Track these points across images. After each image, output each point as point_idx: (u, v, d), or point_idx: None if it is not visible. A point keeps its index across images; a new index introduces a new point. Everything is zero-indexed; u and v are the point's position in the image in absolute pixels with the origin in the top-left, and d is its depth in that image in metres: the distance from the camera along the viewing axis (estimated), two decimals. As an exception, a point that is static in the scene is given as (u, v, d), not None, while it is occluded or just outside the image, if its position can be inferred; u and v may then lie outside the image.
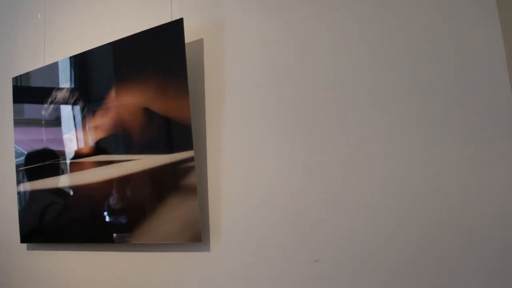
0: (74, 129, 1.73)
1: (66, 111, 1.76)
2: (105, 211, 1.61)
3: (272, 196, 1.30)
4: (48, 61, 1.90)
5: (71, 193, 1.74)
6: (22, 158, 1.90)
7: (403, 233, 1.10)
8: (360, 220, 1.16)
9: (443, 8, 1.10)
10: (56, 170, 1.77)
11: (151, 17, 1.62)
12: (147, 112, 1.51)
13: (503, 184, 1.00)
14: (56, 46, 1.94)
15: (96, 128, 1.65)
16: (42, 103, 1.83)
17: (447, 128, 1.07)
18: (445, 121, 1.07)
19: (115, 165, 1.58)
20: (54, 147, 1.79)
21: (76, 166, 1.71)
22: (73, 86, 1.76)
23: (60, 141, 1.76)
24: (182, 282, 1.45)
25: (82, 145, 1.70)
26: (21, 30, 2.11)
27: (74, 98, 1.73)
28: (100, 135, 1.64)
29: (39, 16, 2.03)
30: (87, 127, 1.68)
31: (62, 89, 1.78)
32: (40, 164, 1.83)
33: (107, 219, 1.61)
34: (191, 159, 1.39)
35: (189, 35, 1.49)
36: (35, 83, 1.94)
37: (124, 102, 1.56)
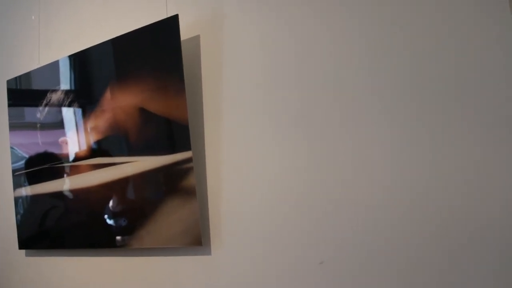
0: (70, 131, 1.69)
1: (61, 113, 1.73)
2: (104, 214, 1.57)
3: (273, 196, 1.28)
4: (43, 62, 1.88)
5: (69, 197, 1.70)
6: (19, 163, 1.86)
7: (406, 234, 1.09)
8: (362, 221, 1.15)
9: (443, 8, 1.09)
10: (52, 174, 1.73)
11: (147, 14, 1.60)
12: (143, 112, 1.47)
13: (503, 185, 0.99)
14: (51, 47, 1.92)
15: (92, 130, 1.61)
16: (37, 105, 1.79)
17: (447, 128, 1.06)
18: (445, 121, 1.07)
19: (112, 168, 1.54)
20: (50, 150, 1.75)
21: (73, 169, 1.67)
22: (67, 87, 1.72)
23: (56, 144, 1.73)
24: (183, 287, 1.42)
25: (78, 148, 1.66)
26: (15, 32, 2.09)
27: (69, 99, 1.69)
28: (96, 137, 1.60)
29: (33, 17, 2.00)
30: (83, 129, 1.65)
31: (56, 90, 1.74)
32: (37, 168, 1.79)
33: (107, 222, 1.58)
34: (189, 160, 1.36)
35: (185, 32, 1.46)
36: (29, 85, 1.90)
37: (120, 103, 1.52)
